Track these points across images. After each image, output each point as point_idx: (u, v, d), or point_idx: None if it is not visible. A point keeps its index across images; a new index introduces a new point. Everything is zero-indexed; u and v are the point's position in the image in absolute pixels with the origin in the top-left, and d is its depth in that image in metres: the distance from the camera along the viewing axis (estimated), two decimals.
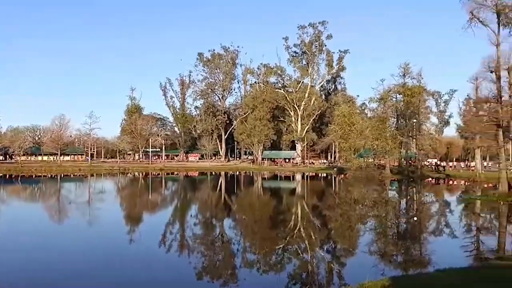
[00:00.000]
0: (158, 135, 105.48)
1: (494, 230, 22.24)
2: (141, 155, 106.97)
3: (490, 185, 42.39)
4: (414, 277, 11.32)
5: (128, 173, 76.99)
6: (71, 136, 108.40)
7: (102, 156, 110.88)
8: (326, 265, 14.40)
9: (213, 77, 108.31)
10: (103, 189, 49.30)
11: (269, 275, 13.29)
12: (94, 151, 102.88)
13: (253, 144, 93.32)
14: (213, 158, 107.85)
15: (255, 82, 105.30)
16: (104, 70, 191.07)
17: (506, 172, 34.80)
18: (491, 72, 35.01)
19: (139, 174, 75.37)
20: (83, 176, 69.61)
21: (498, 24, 34.26)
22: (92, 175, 70.43)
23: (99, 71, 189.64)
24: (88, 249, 16.24)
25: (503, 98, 33.99)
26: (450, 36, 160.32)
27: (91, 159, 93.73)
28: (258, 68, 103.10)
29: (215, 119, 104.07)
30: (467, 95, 64.18)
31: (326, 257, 15.70)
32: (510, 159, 56.41)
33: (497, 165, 40.32)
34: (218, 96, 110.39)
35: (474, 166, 59.67)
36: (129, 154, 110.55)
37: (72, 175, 70.57)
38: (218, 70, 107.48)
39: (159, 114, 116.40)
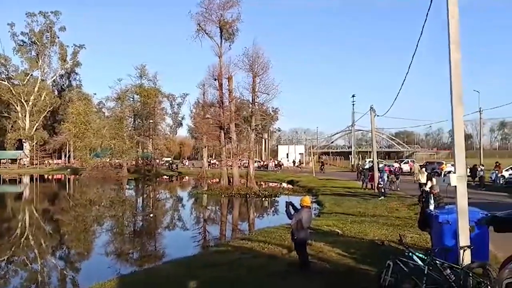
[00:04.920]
0: None
1: (218, 220, 25.53)
2: None
3: (215, 180, 47.96)
4: (143, 273, 11.90)
5: None
6: None
7: None
8: (59, 273, 13.71)
9: None
10: None
11: None
12: None
13: None
14: None
15: None
16: None
17: (226, 169, 40.06)
18: (215, 79, 38.91)
19: None
20: None
21: (221, 38, 38.68)
22: None
23: None
24: None
25: (224, 104, 38.78)
26: (185, 43, 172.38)
27: None
28: None
29: None
30: (197, 99, 70.81)
31: (58, 265, 14.90)
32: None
33: (220, 162, 46.05)
34: None
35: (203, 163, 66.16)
36: None
37: None
38: None
39: None
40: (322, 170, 53.90)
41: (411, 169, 41.28)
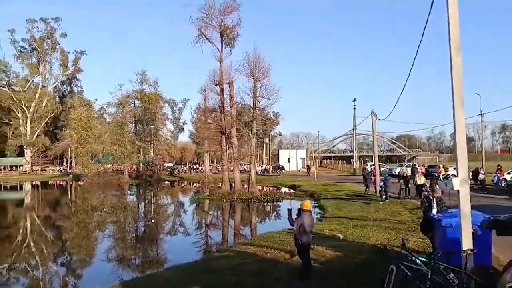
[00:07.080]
0: None
1: (220, 225, 25.47)
2: None
3: (217, 185, 47.86)
4: (145, 278, 11.86)
5: None
6: None
7: None
8: (60, 279, 13.68)
9: None
10: None
11: None
12: None
13: None
14: None
15: None
16: None
17: (228, 174, 40.05)
18: (216, 85, 38.94)
19: None
20: None
21: (222, 43, 38.77)
22: None
23: None
24: None
25: (225, 109, 38.80)
26: (185, 48, 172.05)
27: None
28: None
29: None
30: (198, 104, 70.88)
31: (60, 271, 14.87)
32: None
33: (221, 167, 46.01)
34: None
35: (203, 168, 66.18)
36: None
37: None
38: None
39: None
40: (309, 174, 54.64)
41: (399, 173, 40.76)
